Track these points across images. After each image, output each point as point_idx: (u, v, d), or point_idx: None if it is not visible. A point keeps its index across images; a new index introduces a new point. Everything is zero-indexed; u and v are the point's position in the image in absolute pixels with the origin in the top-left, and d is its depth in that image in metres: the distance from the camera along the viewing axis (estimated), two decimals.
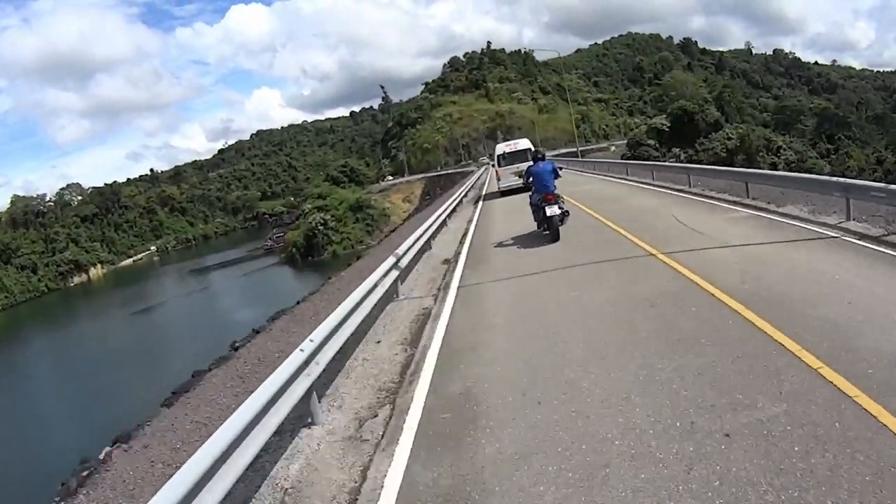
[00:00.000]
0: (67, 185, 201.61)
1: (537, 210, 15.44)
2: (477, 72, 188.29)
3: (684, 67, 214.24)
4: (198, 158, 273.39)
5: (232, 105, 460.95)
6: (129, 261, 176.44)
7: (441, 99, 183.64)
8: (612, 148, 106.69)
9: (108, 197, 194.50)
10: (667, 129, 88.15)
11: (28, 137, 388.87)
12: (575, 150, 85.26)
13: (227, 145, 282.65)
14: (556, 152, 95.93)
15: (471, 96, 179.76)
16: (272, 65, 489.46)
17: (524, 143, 32.42)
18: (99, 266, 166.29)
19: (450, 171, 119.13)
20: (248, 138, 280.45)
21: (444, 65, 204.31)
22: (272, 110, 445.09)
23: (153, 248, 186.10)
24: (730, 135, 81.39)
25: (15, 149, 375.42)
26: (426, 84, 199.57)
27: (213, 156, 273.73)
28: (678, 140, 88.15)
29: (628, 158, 77.88)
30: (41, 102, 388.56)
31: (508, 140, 42.70)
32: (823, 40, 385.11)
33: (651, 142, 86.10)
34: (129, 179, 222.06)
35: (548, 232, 15.10)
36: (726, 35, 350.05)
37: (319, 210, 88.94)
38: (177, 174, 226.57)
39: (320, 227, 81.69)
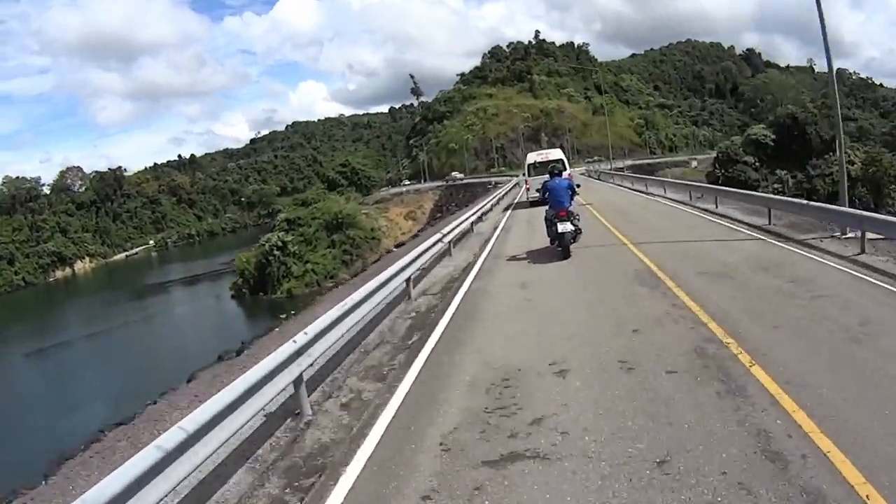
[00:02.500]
0: (68, 169, 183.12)
1: (550, 225, 15.52)
2: (521, 62, 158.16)
3: (747, 79, 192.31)
4: (229, 147, 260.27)
5: (276, 96, 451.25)
6: (123, 255, 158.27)
7: (475, 90, 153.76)
8: (695, 164, 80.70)
9: (109, 183, 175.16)
10: (771, 144, 62.37)
11: (71, 116, 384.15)
12: (640, 161, 61.72)
13: (259, 135, 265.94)
14: (614, 164, 70.83)
15: (511, 89, 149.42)
16: (318, 58, 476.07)
17: (556, 154, 31.74)
18: (87, 260, 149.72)
19: (472, 181, 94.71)
20: (282, 129, 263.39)
21: (485, 54, 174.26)
22: (316, 104, 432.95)
23: (151, 242, 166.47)
24: (852, 158, 56.49)
25: (57, 127, 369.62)
26: (461, 75, 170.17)
27: (245, 145, 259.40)
28: (783, 158, 62.80)
29: (718, 180, 53.02)
30: (86, 82, 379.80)
31: (549, 148, 47.54)
32: (877, 65, 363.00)
33: (749, 159, 60.36)
34: (155, 164, 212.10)
35: (560, 248, 15.21)
36: (779, 55, 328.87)
37: (289, 224, 65.47)
38: (191, 162, 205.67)
39: (276, 253, 57.93)
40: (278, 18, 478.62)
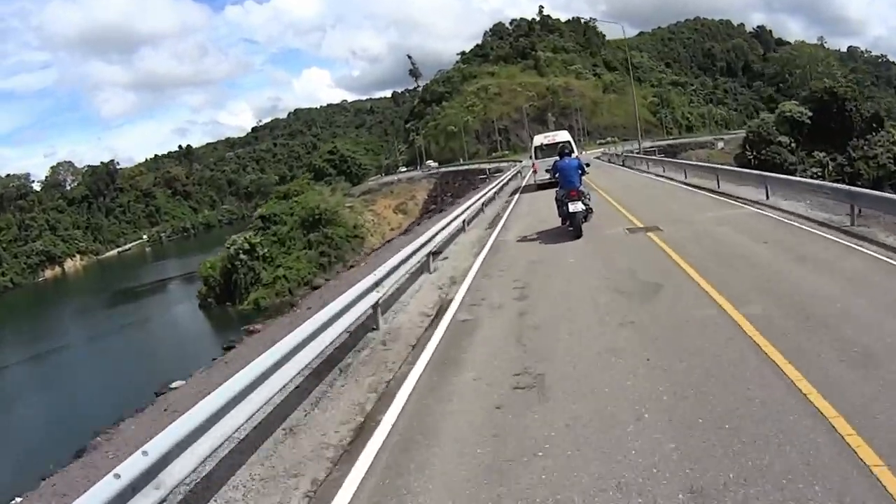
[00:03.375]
0: (59, 164, 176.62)
1: (561, 205, 15.10)
2: (525, 39, 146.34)
3: (759, 57, 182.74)
4: (230, 136, 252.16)
5: (280, 84, 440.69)
6: (115, 251, 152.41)
7: (476, 69, 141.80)
8: (720, 145, 72.23)
9: (101, 178, 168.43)
10: (807, 122, 54.33)
11: (74, 110, 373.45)
12: (659, 142, 53.88)
13: (261, 123, 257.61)
14: (634, 145, 62.74)
15: (515, 67, 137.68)
16: (321, 45, 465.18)
17: (563, 136, 29.95)
18: (77, 258, 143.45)
19: (469, 167, 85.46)
20: (284, 117, 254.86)
21: (486, 32, 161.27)
22: (320, 91, 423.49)
23: (145, 237, 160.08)
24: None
25: (61, 121, 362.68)
26: (462, 54, 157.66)
27: (247, 134, 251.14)
28: (820, 138, 54.96)
29: (749, 163, 45.48)
30: (88, 75, 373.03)
31: (556, 129, 49.37)
32: (884, 43, 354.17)
33: (784, 139, 52.31)
34: (156, 156, 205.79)
35: (571, 228, 14.83)
36: (786, 33, 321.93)
37: (265, 222, 57.99)
38: (188, 153, 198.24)
39: (242, 258, 50.40)
40: (279, 6, 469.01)
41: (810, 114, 54.69)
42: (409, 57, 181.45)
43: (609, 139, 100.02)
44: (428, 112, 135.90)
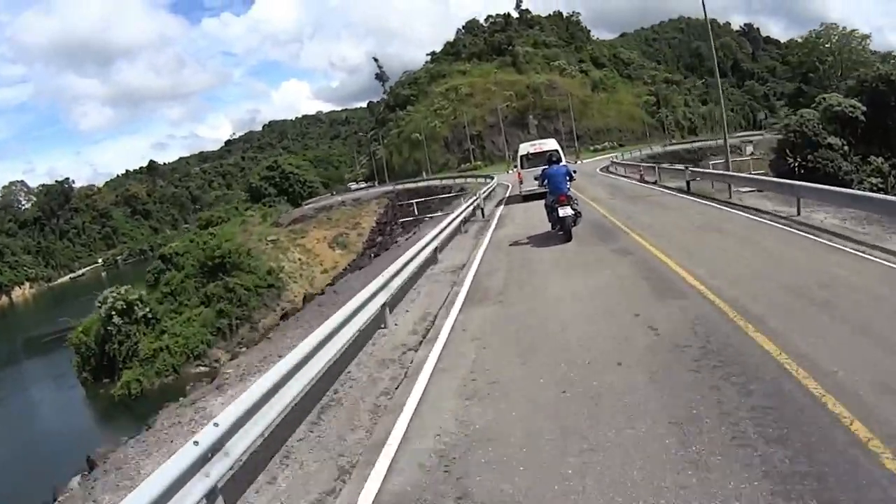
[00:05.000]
0: (11, 183, 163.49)
1: (551, 211, 15.66)
2: (501, 34, 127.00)
3: (748, 56, 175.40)
4: (204, 150, 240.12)
5: (259, 96, 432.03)
6: (68, 277, 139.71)
7: (446, 68, 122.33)
8: (750, 149, 58.58)
9: (55, 197, 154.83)
10: (861, 119, 41.13)
11: (54, 125, 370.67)
12: (674, 145, 41.76)
13: (234, 136, 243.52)
14: (639, 152, 49.20)
15: (490, 65, 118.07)
16: (299, 56, 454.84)
17: (551, 144, 28.72)
18: (27, 285, 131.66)
19: (431, 181, 70.68)
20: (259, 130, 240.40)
21: (459, 29, 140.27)
22: (299, 102, 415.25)
23: (100, 261, 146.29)
24: None
25: (40, 136, 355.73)
26: (432, 54, 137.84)
27: (220, 147, 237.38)
28: (875, 139, 42.13)
29: (792, 172, 31.55)
30: (66, 89, 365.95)
31: (541, 138, 43.54)
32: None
33: (835, 141, 38.98)
34: (127, 171, 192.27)
35: (562, 232, 15.26)
36: (768, 35, 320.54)
37: (165, 263, 44.00)
38: (150, 168, 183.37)
39: (115, 322, 36.35)
40: (257, 18, 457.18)
41: (864, 108, 41.26)
42: (376, 60, 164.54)
43: (606, 144, 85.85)
44: (391, 119, 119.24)
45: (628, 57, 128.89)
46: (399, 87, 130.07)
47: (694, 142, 76.43)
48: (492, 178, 47.71)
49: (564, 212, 14.78)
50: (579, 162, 59.67)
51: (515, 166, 38.36)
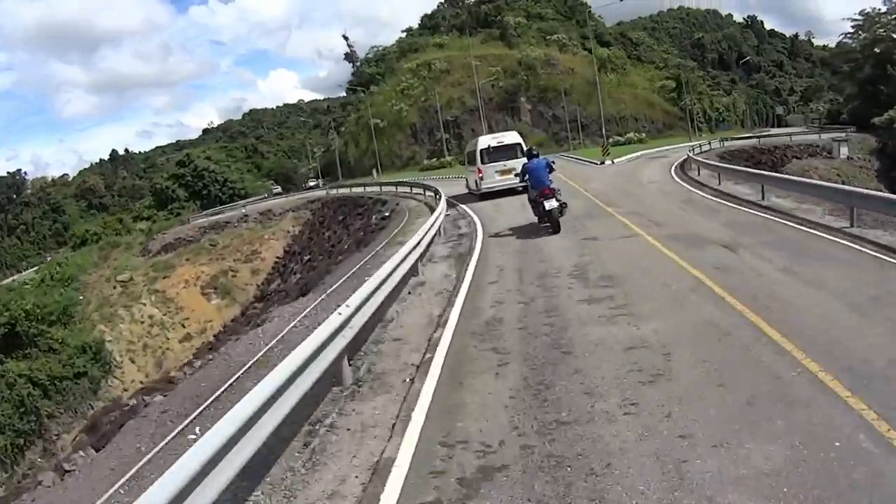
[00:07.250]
0: None
1: (536, 205, 15.48)
2: (488, 5, 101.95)
3: (753, 49, 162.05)
4: (181, 139, 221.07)
5: (246, 85, 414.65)
6: (12, 279, 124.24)
7: (419, 41, 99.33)
8: (844, 151, 42.35)
9: (3, 190, 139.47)
10: None
11: (39, 113, 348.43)
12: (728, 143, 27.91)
13: (212, 125, 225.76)
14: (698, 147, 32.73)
15: (473, 39, 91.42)
16: (287, 45, 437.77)
17: (513, 137, 26.56)
18: None
19: (368, 184, 49.23)
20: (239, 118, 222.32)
21: (441, 3, 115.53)
22: (287, 92, 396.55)
23: (49, 258, 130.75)
24: None
25: (24, 124, 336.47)
26: (407, 30, 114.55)
27: (197, 137, 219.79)
28: None
29: None
30: (51, 77, 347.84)
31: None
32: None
33: None
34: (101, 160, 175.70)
35: (549, 224, 15.15)
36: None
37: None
38: (112, 158, 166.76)
39: None
40: (245, 6, 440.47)
41: None
42: (346, 38, 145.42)
43: (632, 136, 67.03)
44: (352, 102, 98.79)
45: (637, 37, 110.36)
46: (364, 66, 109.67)
47: (761, 135, 57.79)
48: (436, 195, 26.37)
49: (550, 204, 14.84)
50: (608, 162, 40.80)
51: (463, 163, 35.76)
